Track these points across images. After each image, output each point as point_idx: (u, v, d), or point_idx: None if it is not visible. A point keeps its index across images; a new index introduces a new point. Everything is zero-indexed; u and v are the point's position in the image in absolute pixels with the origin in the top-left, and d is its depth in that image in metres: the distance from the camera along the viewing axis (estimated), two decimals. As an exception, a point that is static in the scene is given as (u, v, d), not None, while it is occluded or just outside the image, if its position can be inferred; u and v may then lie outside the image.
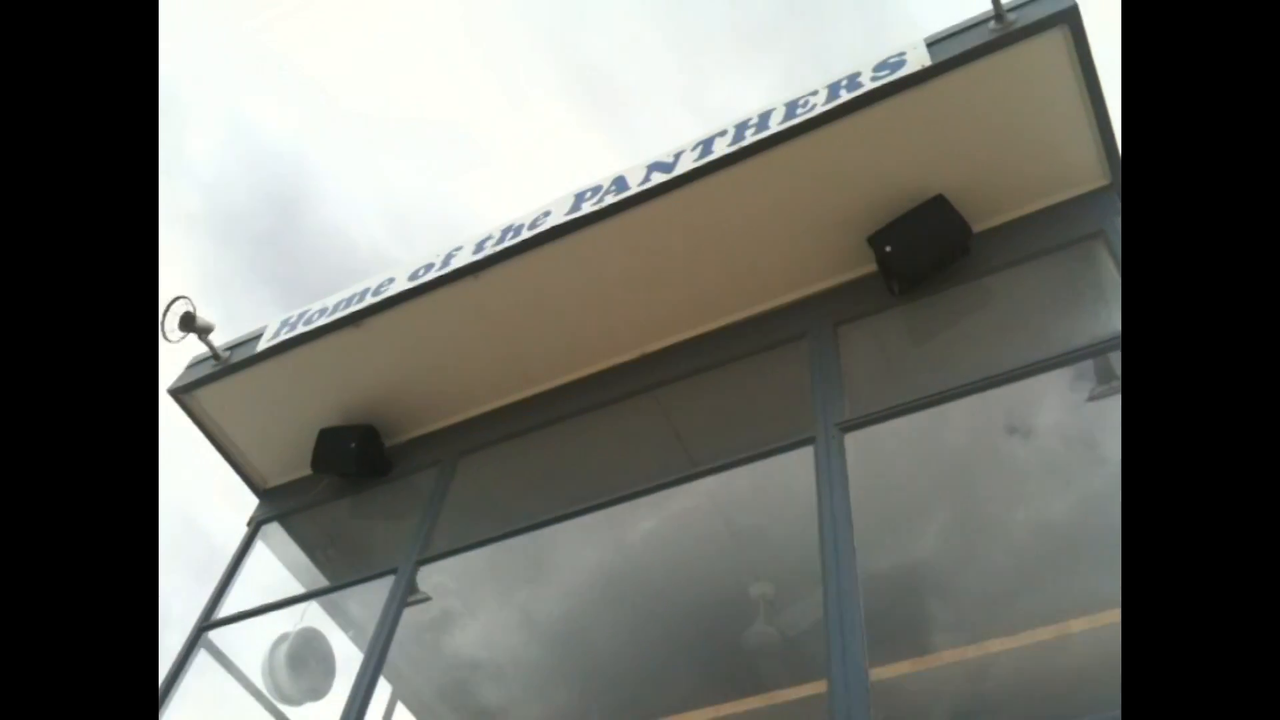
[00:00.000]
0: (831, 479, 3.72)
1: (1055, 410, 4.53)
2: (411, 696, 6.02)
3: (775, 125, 4.42)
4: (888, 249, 4.29)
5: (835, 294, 4.59)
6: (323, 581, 5.85)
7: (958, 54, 4.13)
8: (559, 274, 4.92)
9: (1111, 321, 3.92)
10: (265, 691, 5.47)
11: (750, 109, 4.62)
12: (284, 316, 5.48)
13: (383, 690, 5.93)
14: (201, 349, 5.55)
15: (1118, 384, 4.26)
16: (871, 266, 4.52)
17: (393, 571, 4.68)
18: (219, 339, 5.48)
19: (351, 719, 4.01)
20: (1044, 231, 4.23)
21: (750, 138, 4.46)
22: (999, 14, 4.06)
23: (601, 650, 5.62)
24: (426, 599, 5.55)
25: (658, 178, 4.63)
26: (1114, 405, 4.27)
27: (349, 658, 5.79)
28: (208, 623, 5.08)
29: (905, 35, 4.38)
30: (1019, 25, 4.03)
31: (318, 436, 5.44)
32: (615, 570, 5.46)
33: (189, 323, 5.38)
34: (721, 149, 4.51)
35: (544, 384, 5.25)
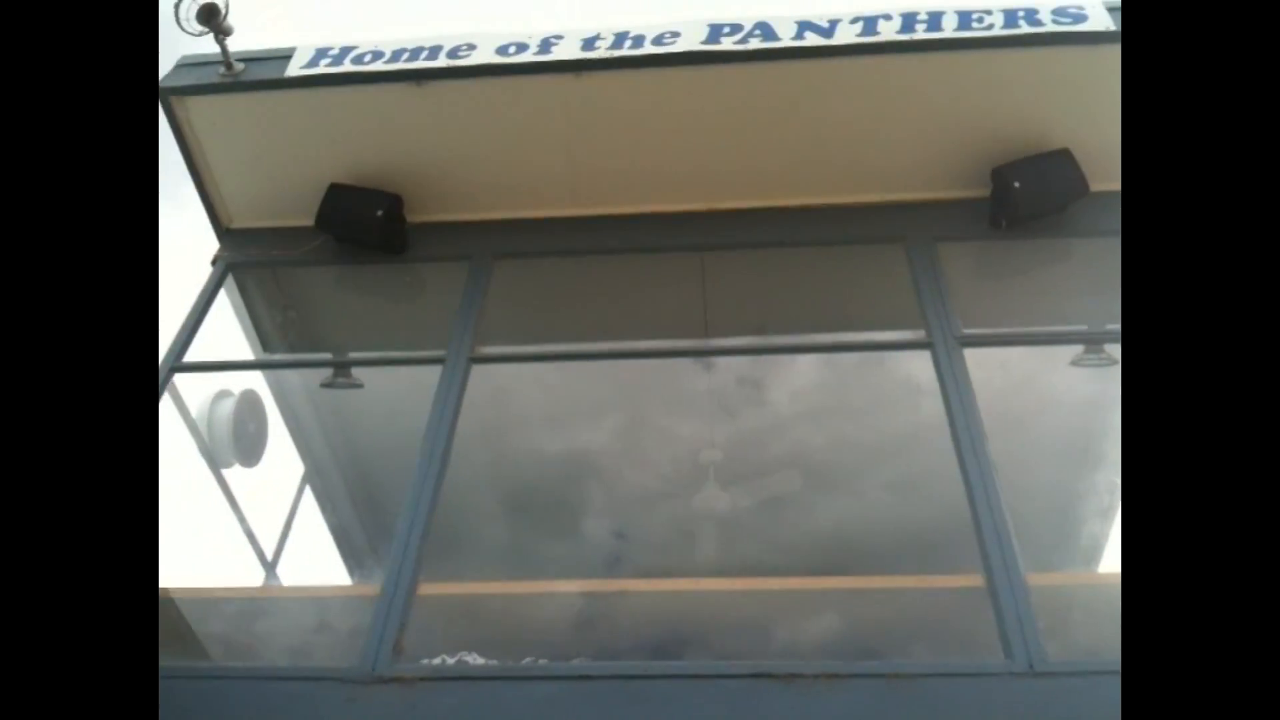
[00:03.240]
0: (959, 387, 4.18)
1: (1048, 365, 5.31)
2: (320, 487, 5.97)
3: (949, 30, 4.66)
4: (1016, 184, 4.73)
5: (936, 209, 4.97)
6: (272, 341, 5.56)
7: (1141, 26, 4.57)
8: (667, 101, 4.90)
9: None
10: (198, 444, 5.22)
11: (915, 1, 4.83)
12: (320, 45, 5.00)
13: (296, 467, 5.87)
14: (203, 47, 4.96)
15: (1103, 358, 5.10)
16: (975, 192, 4.95)
17: (439, 361, 4.59)
18: (235, 45, 4.92)
19: (420, 520, 3.96)
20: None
21: (920, 33, 4.67)
22: (1187, 5, 4.52)
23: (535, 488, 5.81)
24: (358, 385, 5.52)
25: (812, 39, 4.73)
26: (1091, 373, 5.12)
27: (278, 432, 5.67)
28: (178, 364, 4.70)
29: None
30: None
31: (329, 191, 5.08)
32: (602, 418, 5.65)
33: (210, 16, 4.77)
34: (889, 33, 4.69)
35: (596, 207, 5.22)
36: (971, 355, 4.55)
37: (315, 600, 4.57)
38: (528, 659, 3.52)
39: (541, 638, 3.95)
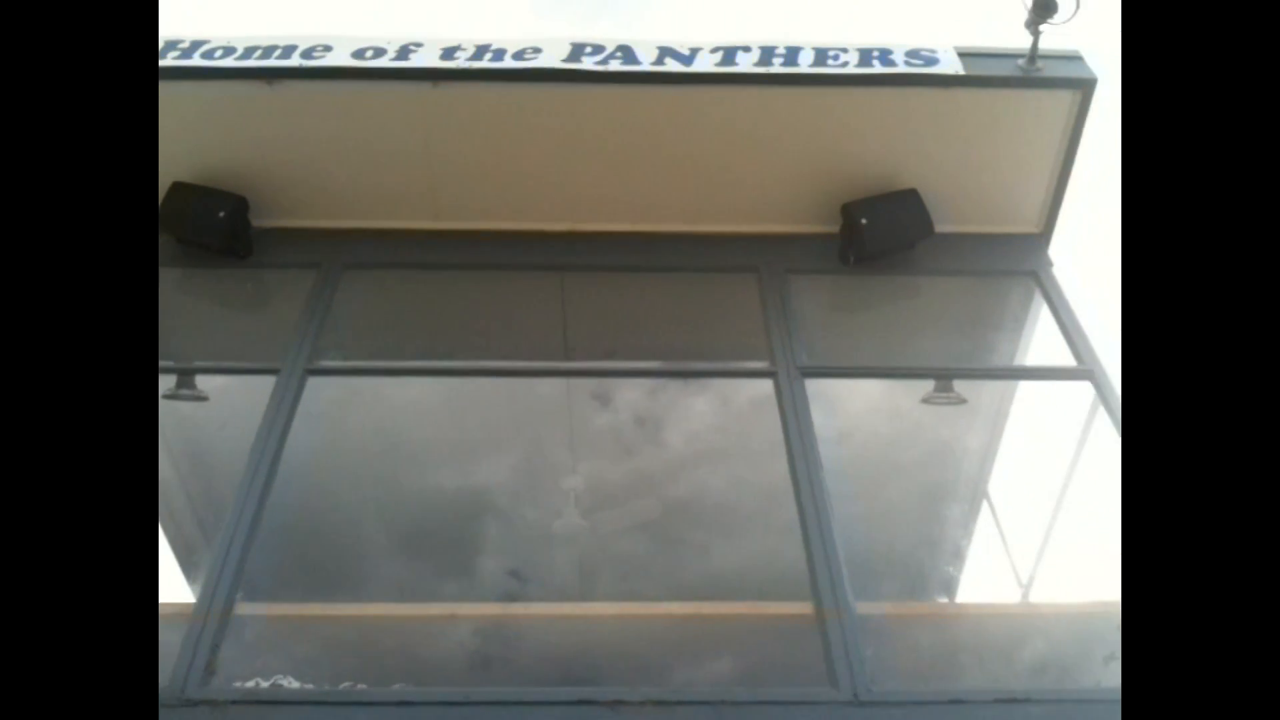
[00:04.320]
0: (798, 416, 4.24)
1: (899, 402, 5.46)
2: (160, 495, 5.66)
3: (805, 65, 4.75)
4: (863, 221, 4.85)
5: (789, 242, 5.07)
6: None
7: (985, 75, 4.76)
8: (525, 118, 4.86)
9: (1025, 350, 4.88)
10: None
11: (774, 35, 4.91)
12: (170, 37, 4.79)
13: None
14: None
15: (952, 396, 5.27)
16: (825, 228, 5.07)
17: (274, 372, 4.42)
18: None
19: (240, 535, 3.78)
20: (985, 254, 5.05)
21: (777, 67, 4.75)
22: (1033, 57, 4.72)
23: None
24: (203, 398, 5.29)
25: (672, 65, 4.76)
26: (940, 411, 5.29)
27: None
28: None
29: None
30: (1045, 74, 4.73)
31: (170, 190, 4.88)
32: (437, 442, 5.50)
33: None
34: (746, 65, 4.75)
35: (452, 222, 5.14)
36: (825, 390, 4.65)
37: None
38: (346, 684, 3.39)
39: (366, 663, 3.81)
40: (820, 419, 4.35)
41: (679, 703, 3.29)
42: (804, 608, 3.68)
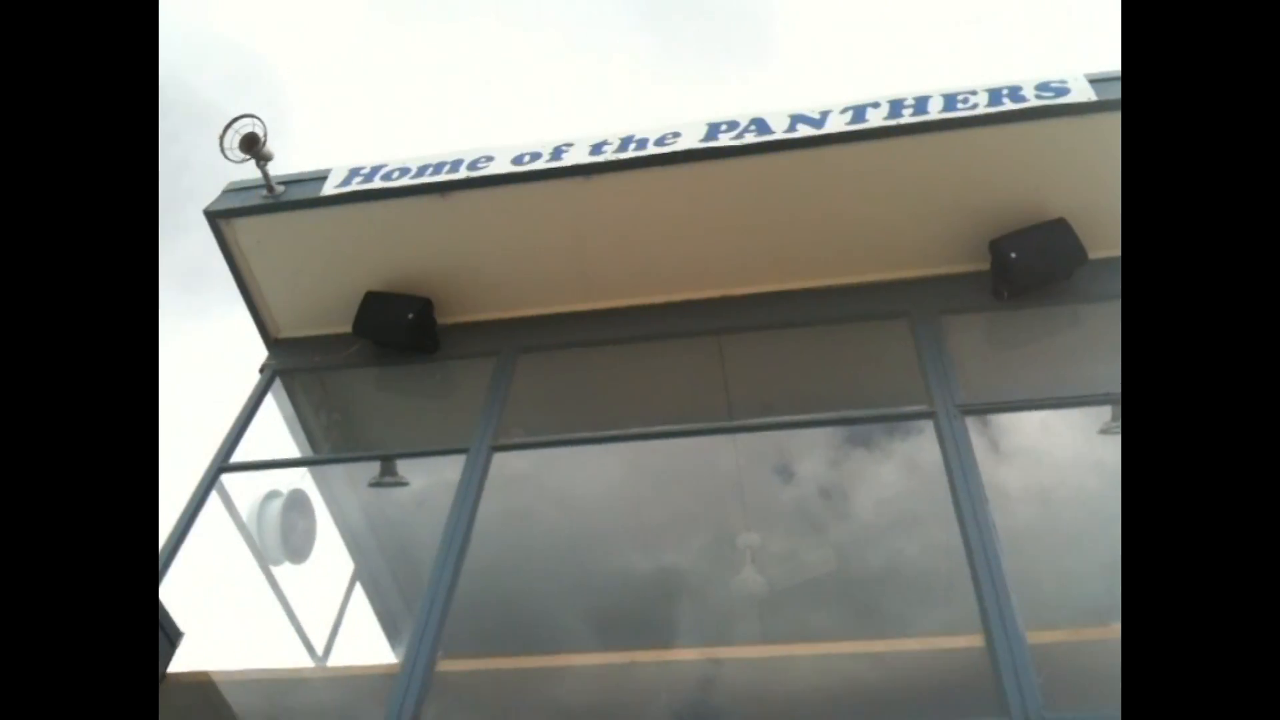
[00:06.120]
0: (960, 453, 4.27)
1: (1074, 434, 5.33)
2: (369, 578, 6.17)
3: (934, 113, 4.86)
4: (1013, 255, 4.86)
5: (939, 283, 5.12)
6: (319, 443, 5.86)
7: (1119, 98, 4.73)
8: (672, 198, 5.17)
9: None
10: (248, 542, 5.49)
11: (902, 89, 5.06)
12: (352, 165, 5.41)
13: (345, 566, 6.08)
14: (247, 174, 5.40)
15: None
16: (976, 265, 5.09)
17: (464, 451, 4.83)
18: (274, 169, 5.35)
19: (439, 600, 4.15)
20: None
21: (907, 117, 4.89)
22: (1168, 72, 4.67)
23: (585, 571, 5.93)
24: (403, 483, 5.73)
25: (805, 130, 4.98)
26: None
27: (325, 529, 5.91)
28: (226, 464, 5.02)
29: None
30: (1183, 87, 4.66)
31: (364, 299, 5.45)
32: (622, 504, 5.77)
33: (252, 145, 5.22)
34: (876, 120, 4.91)
35: (613, 300, 5.49)
36: (994, 428, 4.63)
37: (347, 680, 4.75)
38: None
39: (561, 710, 4.05)
40: (989, 456, 4.36)
41: (849, 736, 3.37)
42: (974, 639, 3.68)
